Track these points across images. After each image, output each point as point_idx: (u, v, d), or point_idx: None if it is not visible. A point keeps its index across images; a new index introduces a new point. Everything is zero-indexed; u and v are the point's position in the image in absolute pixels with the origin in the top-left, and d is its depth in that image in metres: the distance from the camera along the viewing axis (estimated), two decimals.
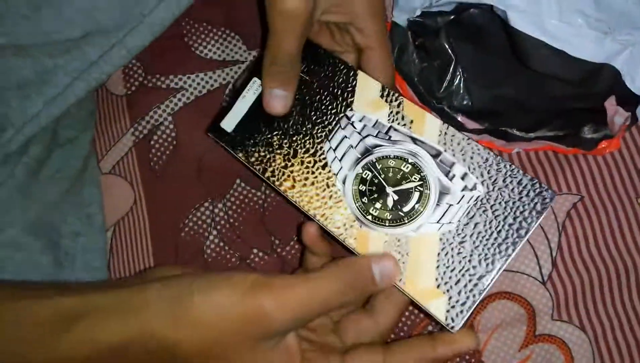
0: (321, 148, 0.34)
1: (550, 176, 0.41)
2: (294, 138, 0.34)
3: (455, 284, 0.30)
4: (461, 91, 0.44)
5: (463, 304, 0.29)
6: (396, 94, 0.33)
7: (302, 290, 0.27)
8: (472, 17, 0.43)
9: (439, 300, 0.30)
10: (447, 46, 0.44)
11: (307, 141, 0.34)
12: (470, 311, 0.29)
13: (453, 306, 0.30)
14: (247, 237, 0.43)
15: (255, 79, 0.35)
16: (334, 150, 0.33)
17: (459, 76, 0.44)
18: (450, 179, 0.30)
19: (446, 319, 0.30)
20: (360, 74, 0.34)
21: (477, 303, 0.29)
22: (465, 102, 0.43)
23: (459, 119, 0.41)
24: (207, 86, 0.45)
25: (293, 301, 0.26)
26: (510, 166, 0.30)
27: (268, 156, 0.34)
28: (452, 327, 0.29)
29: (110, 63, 0.39)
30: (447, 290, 0.30)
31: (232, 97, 0.36)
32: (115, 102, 0.46)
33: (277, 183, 0.34)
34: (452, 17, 0.42)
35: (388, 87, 0.33)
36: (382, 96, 0.33)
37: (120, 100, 0.46)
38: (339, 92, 0.34)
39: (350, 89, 0.34)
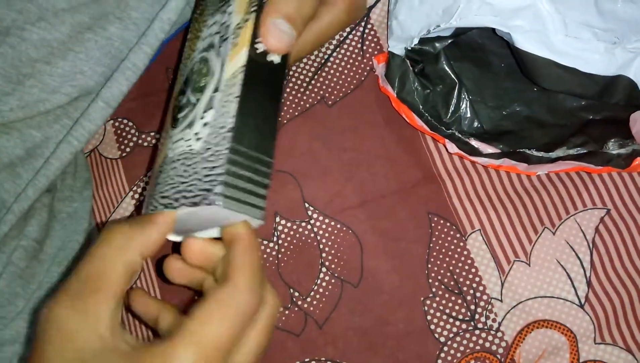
0: (206, 20, 0.34)
1: (572, 191, 0.40)
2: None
3: (151, 192, 0.32)
4: (469, 115, 0.42)
5: (146, 209, 0.31)
6: (255, 8, 0.29)
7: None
8: (472, 37, 0.42)
9: None
10: (448, 70, 0.42)
11: (206, 11, 0.34)
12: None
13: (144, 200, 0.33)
14: None
15: None
16: (208, 28, 0.33)
17: (464, 99, 0.42)
18: (200, 118, 0.29)
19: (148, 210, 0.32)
20: None
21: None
22: (475, 125, 0.42)
23: (473, 144, 0.40)
24: None
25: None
26: (227, 148, 0.27)
27: (196, 16, 0.36)
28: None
29: (89, 119, 0.36)
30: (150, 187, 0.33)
31: None
32: (110, 166, 0.44)
33: (187, 44, 0.35)
34: (450, 40, 0.40)
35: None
36: (250, 1, 0.30)
37: (116, 163, 0.44)
38: None
39: None
